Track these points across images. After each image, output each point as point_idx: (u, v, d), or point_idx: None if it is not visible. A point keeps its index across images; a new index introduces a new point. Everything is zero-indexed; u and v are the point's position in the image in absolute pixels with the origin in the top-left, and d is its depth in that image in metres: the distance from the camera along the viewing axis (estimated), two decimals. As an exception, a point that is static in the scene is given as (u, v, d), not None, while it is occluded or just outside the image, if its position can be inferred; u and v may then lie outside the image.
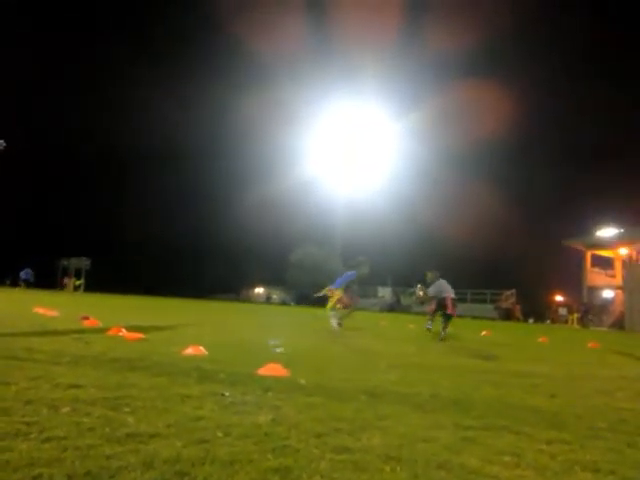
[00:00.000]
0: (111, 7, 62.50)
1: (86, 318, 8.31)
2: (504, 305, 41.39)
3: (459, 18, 52.69)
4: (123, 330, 6.42)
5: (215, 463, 1.94)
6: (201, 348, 5.07)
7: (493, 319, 37.02)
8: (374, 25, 48.75)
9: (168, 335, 6.96)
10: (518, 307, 40.87)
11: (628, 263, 37.35)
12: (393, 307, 44.24)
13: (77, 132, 55.18)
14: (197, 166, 56.61)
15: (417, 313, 39.08)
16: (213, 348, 5.38)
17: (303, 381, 3.84)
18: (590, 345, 11.54)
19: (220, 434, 2.29)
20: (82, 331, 6.61)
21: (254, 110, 50.97)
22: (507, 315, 39.44)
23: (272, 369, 4.13)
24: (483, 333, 13.93)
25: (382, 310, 41.80)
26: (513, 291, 41.94)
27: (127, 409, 2.66)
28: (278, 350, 5.92)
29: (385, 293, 49.33)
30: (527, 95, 57.83)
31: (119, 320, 8.66)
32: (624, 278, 36.80)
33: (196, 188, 58.49)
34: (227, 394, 3.15)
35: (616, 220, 39.55)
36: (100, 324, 7.70)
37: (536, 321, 38.27)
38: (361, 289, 49.08)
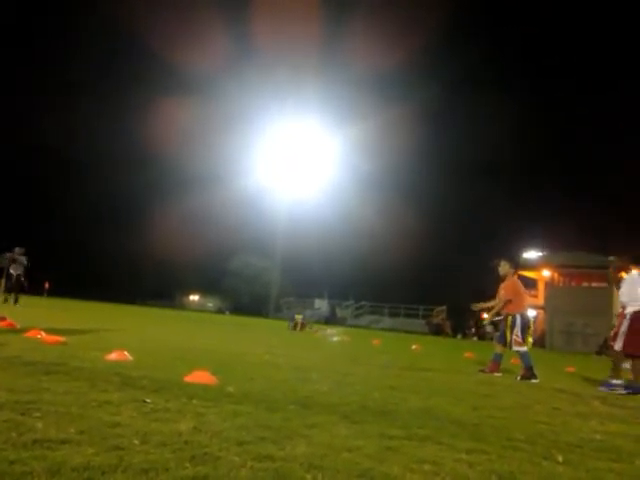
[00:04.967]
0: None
1: (2, 319, 7.79)
2: (435, 321, 42.55)
3: (390, 35, 54.16)
4: (42, 333, 6.06)
5: (128, 471, 1.84)
6: (126, 353, 4.85)
7: (424, 334, 37.96)
8: (310, 40, 49.34)
9: (91, 339, 6.64)
10: (448, 323, 42.14)
11: (550, 285, 39.54)
12: (329, 319, 44.44)
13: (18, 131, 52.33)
14: (134, 174, 54.82)
15: (352, 325, 39.51)
16: (140, 354, 5.18)
17: (231, 389, 3.75)
18: (513, 361, 12.02)
19: (137, 441, 2.18)
20: (-4, 332, 6.19)
21: (196, 121, 50.36)
22: (437, 330, 40.54)
23: (200, 376, 4.01)
24: (413, 347, 14.24)
25: (318, 322, 41.93)
26: (444, 307, 43.23)
27: (38, 414, 2.50)
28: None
29: (322, 305, 49.53)
30: (466, 115, 60.15)
31: (39, 322, 8.18)
32: (546, 299, 38.91)
33: (132, 194, 56.63)
34: (149, 401, 3.02)
35: (540, 243, 41.81)
36: (17, 325, 7.24)
37: (464, 337, 39.56)
38: (298, 301, 49.08)
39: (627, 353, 6.83)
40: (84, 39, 59.90)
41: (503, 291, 7.84)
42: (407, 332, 36.22)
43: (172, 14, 61.26)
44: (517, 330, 7.55)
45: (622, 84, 62.13)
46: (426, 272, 49.91)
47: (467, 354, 12.81)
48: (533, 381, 7.22)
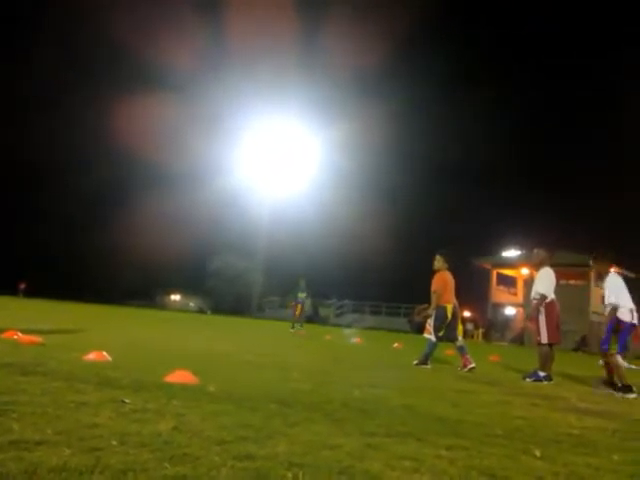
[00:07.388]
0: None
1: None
2: (416, 319, 42.83)
3: (372, 35, 54.22)
4: (18, 333, 5.94)
5: (105, 472, 1.81)
6: (104, 354, 4.78)
7: (406, 332, 38.17)
8: (291, 39, 49.16)
9: (69, 340, 6.54)
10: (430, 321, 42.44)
11: (529, 282, 40.12)
12: (311, 318, 44.44)
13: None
14: (114, 172, 54.00)
15: (335, 325, 39.54)
16: (119, 354, 5.11)
17: (212, 388, 3.73)
18: (491, 358, 12.20)
19: (115, 442, 2.16)
20: (-30, 333, 6.05)
21: (177, 119, 49.94)
22: (419, 329, 40.80)
23: (180, 376, 3.98)
24: (395, 345, 14.32)
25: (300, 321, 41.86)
26: (426, 305, 43.48)
27: (14, 415, 2.45)
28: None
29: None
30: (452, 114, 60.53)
31: (15, 323, 8.02)
32: (525, 296, 39.47)
33: (112, 193, 55.87)
34: (128, 401, 2.98)
35: (519, 242, 42.39)
36: (-7, 326, 7.09)
37: (446, 335, 39.82)
38: (281, 300, 48.97)
39: (550, 343, 7.07)
40: (64, 38, 58.98)
41: (432, 285, 8.13)
42: (389, 330, 36.37)
43: (151, 11, 60.45)
44: (431, 320, 8.10)
45: (614, 81, 63.03)
46: (407, 271, 50.19)
47: (448, 352, 12.90)
48: (424, 367, 7.62)
